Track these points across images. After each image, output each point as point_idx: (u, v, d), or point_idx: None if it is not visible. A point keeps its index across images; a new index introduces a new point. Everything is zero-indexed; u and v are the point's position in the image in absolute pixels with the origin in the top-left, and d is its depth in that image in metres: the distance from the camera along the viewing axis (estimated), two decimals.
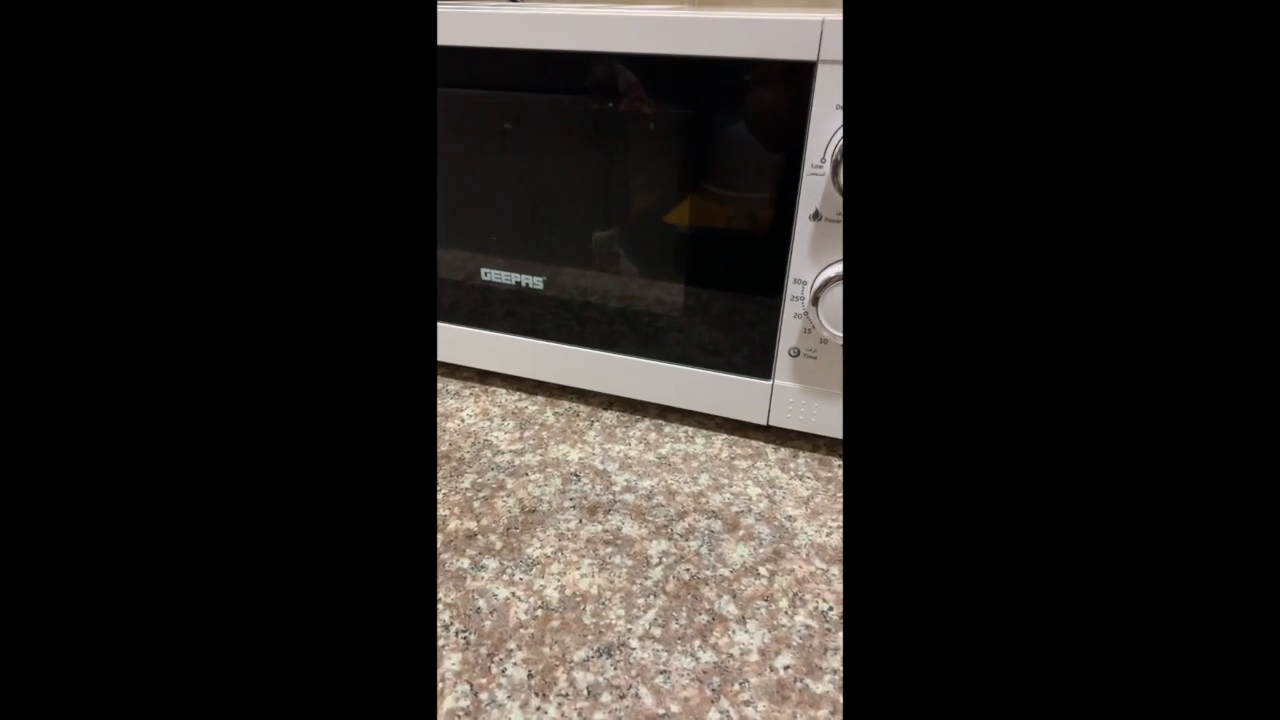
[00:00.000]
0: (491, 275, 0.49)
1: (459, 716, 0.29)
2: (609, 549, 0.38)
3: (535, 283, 0.48)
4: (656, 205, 0.43)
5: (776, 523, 0.40)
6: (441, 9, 0.43)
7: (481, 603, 0.34)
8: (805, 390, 0.44)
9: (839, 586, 0.36)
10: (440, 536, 0.39)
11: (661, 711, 0.29)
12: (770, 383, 0.45)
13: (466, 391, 0.53)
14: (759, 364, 0.45)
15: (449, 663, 0.31)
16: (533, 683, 0.30)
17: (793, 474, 0.44)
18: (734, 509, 0.41)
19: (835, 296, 0.39)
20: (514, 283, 0.48)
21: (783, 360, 0.44)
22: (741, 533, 0.39)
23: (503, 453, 0.46)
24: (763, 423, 0.46)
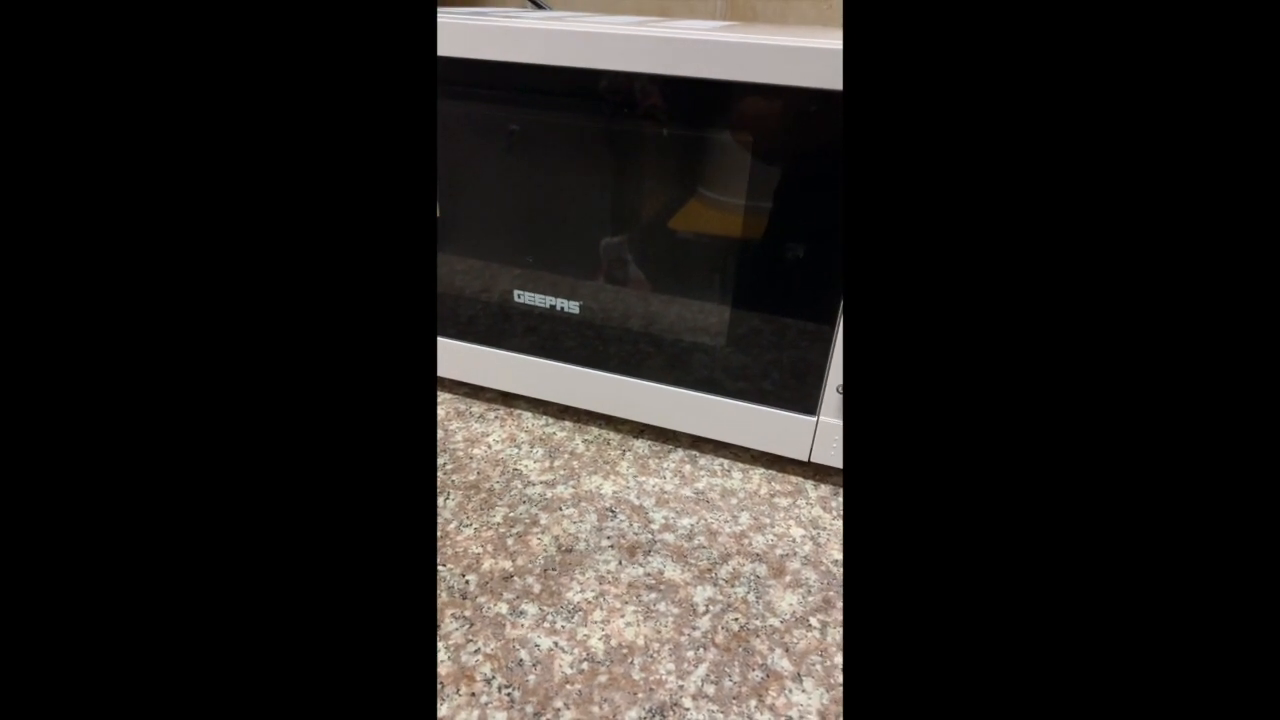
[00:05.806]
0: (525, 298, 0.47)
1: None
2: (653, 595, 0.36)
3: (570, 307, 0.46)
4: (690, 223, 0.42)
5: (823, 567, 0.39)
6: (467, 20, 0.41)
7: (524, 654, 0.33)
8: None
9: None
10: (475, 576, 0.37)
11: None
12: (815, 419, 0.43)
13: (491, 414, 0.51)
14: (805, 399, 0.43)
15: None
16: None
17: (835, 513, 0.43)
18: (778, 551, 0.40)
19: None
20: (548, 306, 0.47)
21: (830, 397, 0.42)
22: (788, 578, 0.38)
23: (534, 484, 0.44)
24: (804, 459, 0.45)
